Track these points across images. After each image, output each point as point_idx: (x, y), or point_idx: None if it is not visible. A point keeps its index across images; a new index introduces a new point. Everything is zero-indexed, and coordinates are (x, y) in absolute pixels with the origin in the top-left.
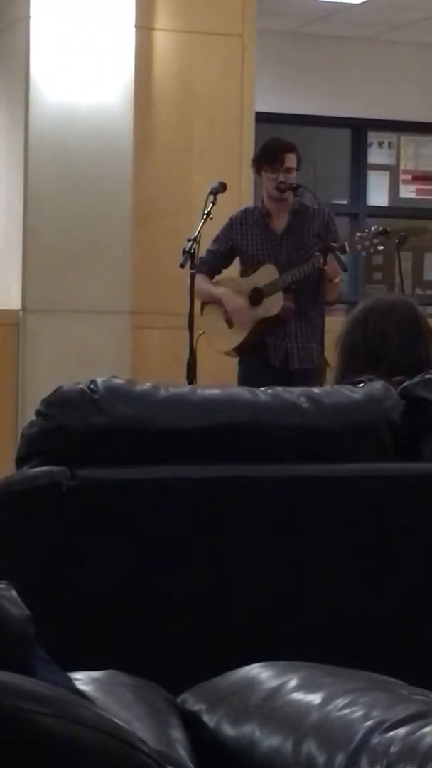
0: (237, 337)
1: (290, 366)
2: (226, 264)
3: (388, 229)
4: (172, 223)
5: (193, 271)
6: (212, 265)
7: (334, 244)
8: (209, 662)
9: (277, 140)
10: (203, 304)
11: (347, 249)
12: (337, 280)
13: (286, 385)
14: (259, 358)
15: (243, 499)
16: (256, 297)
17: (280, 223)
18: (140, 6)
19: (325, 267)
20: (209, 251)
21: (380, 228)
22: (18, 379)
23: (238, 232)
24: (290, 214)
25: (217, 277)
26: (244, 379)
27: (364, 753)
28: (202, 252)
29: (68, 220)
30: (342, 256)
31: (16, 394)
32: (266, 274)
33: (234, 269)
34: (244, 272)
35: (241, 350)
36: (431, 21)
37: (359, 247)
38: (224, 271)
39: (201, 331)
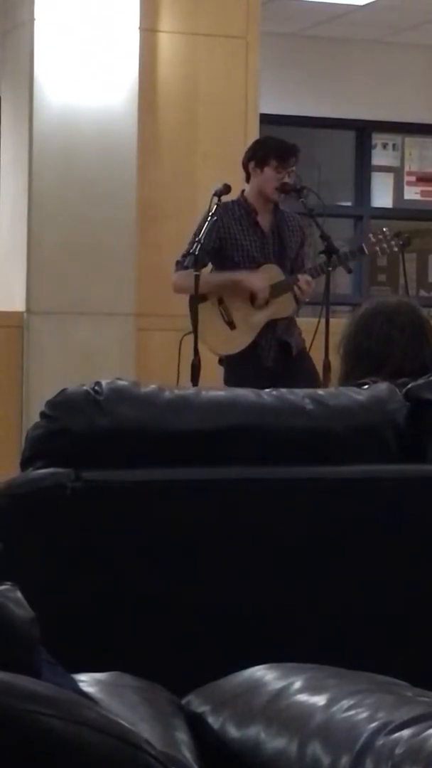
0: (244, 339)
1: (293, 353)
2: (213, 259)
3: (401, 231)
4: (177, 225)
5: (197, 273)
6: (199, 260)
7: (344, 248)
8: (213, 664)
9: (283, 141)
10: (195, 301)
11: (365, 251)
12: (306, 300)
13: (286, 378)
14: (250, 361)
15: (247, 501)
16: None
17: (265, 221)
18: (144, 8)
19: (307, 283)
20: (196, 246)
21: (395, 230)
22: (22, 381)
23: (226, 226)
24: (272, 215)
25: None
26: (235, 383)
27: (368, 754)
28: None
29: (72, 222)
30: (352, 260)
31: (21, 396)
32: (269, 274)
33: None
34: (228, 270)
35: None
36: None
37: (377, 249)
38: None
39: (188, 331)
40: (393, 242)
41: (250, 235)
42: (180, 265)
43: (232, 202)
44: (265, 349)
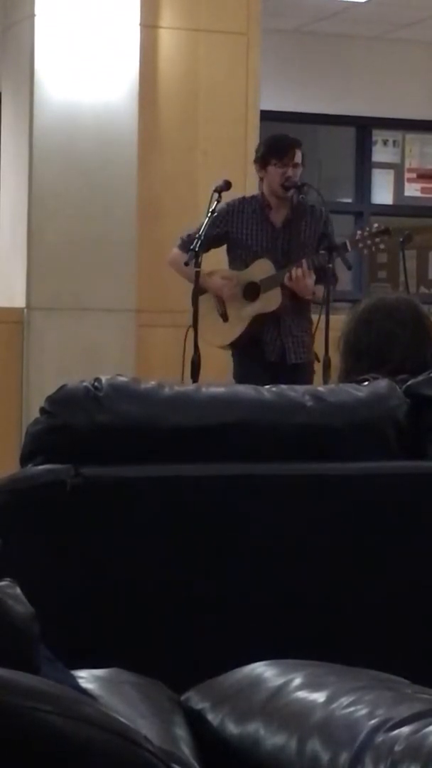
0: (233, 332)
1: (287, 361)
2: (215, 246)
3: (390, 228)
4: (178, 221)
5: (198, 269)
6: (200, 256)
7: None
8: (213, 660)
9: (284, 136)
10: (196, 298)
11: (348, 247)
12: (309, 297)
13: (283, 380)
14: (254, 353)
15: (247, 497)
16: (251, 291)
17: (279, 216)
18: (145, 4)
19: (299, 274)
20: (196, 243)
21: (382, 226)
22: (23, 377)
23: (236, 219)
24: (290, 210)
25: (203, 266)
26: (241, 376)
27: (368, 751)
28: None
29: (73, 218)
30: (346, 255)
31: (21, 392)
32: (262, 268)
33: (219, 260)
34: (234, 264)
35: (235, 346)
36: None
37: (360, 245)
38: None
39: (189, 325)
40: (378, 239)
41: (258, 230)
42: (182, 243)
43: (251, 197)
44: (269, 344)
